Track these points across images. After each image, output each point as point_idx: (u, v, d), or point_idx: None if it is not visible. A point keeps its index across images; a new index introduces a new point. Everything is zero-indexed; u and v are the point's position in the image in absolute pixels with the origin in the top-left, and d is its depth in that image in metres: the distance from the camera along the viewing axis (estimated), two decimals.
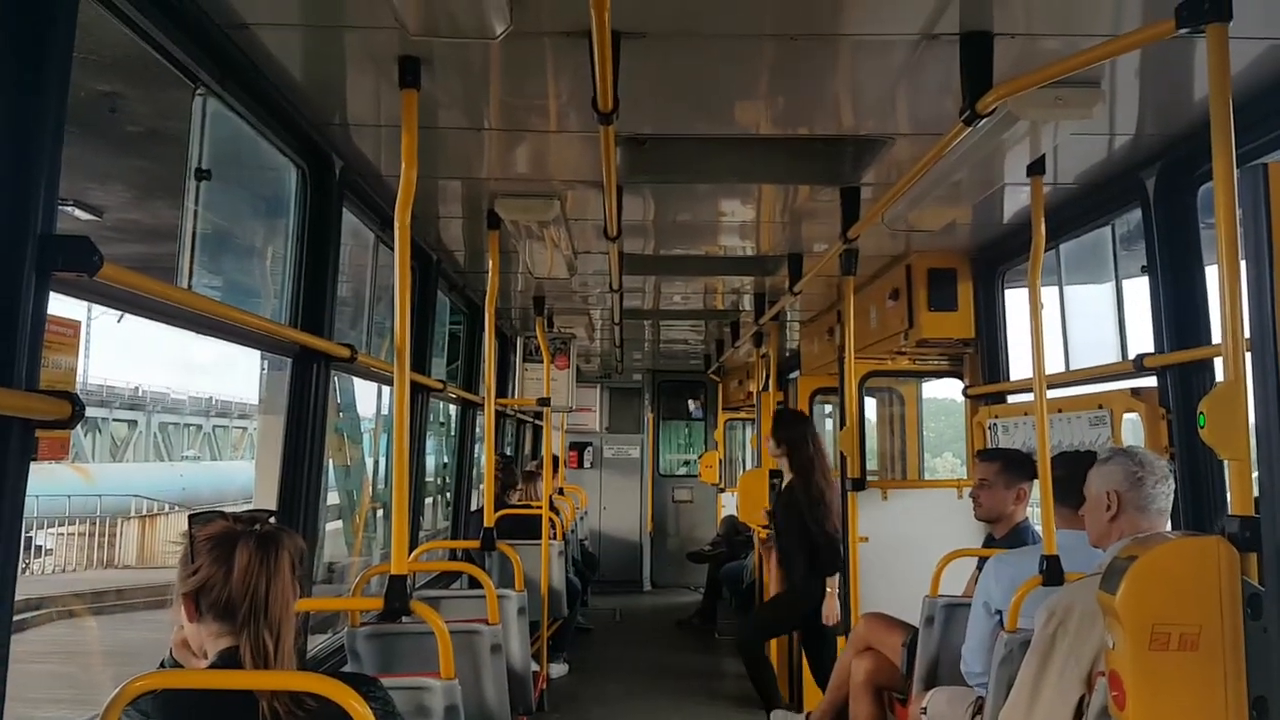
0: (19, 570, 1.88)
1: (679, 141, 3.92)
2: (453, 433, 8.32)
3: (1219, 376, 3.47)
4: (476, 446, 7.42)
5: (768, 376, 8.14)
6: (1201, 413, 1.97)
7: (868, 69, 3.05)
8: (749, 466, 10.25)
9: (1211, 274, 3.59)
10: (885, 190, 3.89)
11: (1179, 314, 3.59)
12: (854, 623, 5.20)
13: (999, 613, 3.52)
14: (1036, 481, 4.10)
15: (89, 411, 2.34)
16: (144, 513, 27.36)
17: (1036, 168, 3.45)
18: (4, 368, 1.75)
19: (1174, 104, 3.34)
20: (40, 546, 23.61)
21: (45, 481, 25.03)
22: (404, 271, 3.12)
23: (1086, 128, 3.19)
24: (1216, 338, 3.44)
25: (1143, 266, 3.84)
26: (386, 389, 12.10)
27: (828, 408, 9.33)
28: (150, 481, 31.45)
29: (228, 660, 1.97)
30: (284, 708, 1.90)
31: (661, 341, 11.46)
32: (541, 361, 8.06)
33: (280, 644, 1.99)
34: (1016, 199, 4.44)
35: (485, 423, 4.87)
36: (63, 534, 24.52)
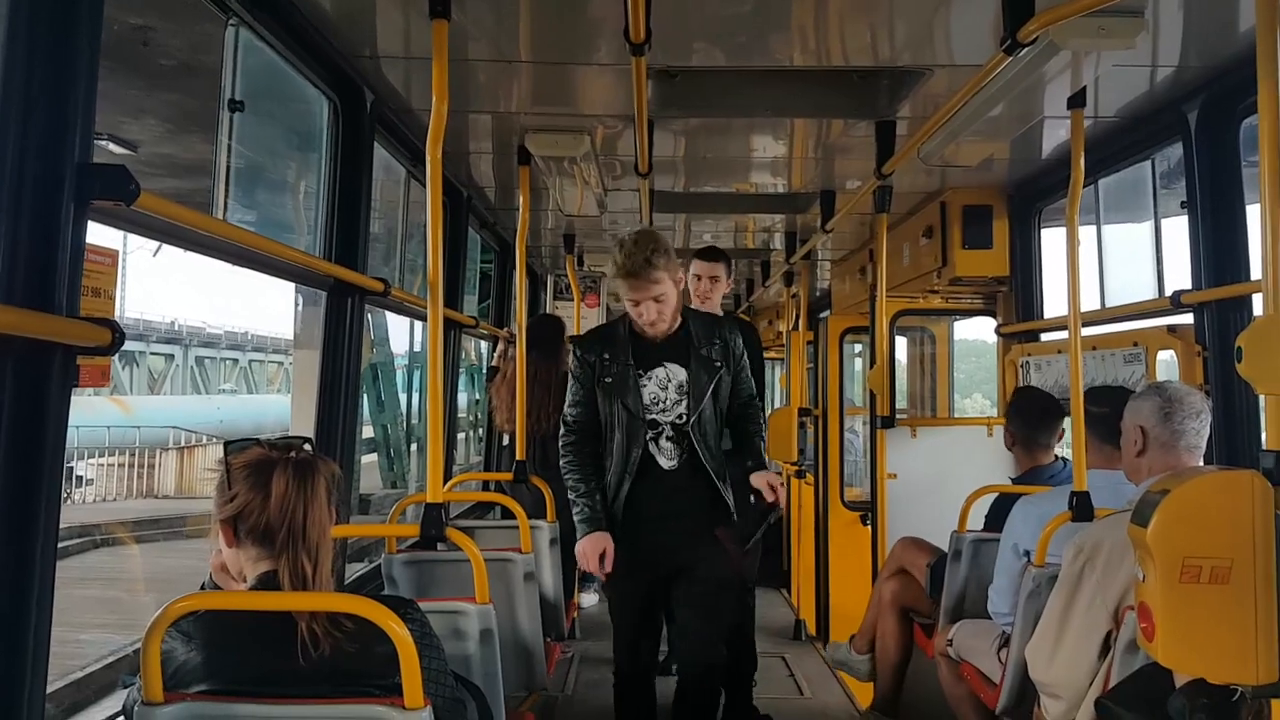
0: (61, 499, 1.92)
1: (711, 74, 3.85)
2: (484, 369, 8.37)
3: (1257, 313, 3.46)
4: None
5: (798, 316, 8.10)
6: (1239, 347, 1.95)
7: None
8: (779, 404, 10.23)
9: (1252, 211, 3.55)
10: (921, 124, 3.82)
11: (1218, 249, 3.54)
12: (882, 557, 5.25)
13: (1027, 554, 3.51)
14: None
15: (126, 344, 2.36)
16: (182, 444, 27.89)
17: (1077, 100, 3.37)
18: (44, 295, 1.77)
19: (1218, 35, 3.26)
20: (81, 477, 24.19)
21: (85, 413, 25.57)
22: (435, 206, 3.11)
23: (1128, 59, 3.12)
24: (1255, 274, 3.42)
25: (1182, 203, 3.78)
26: (420, 326, 12.15)
27: (858, 347, 9.28)
28: (188, 414, 32.02)
29: (267, 583, 2.00)
30: (322, 629, 1.93)
31: None
32: (572, 300, 8.07)
33: (318, 568, 2.02)
34: (1056, 133, 4.36)
35: (517, 359, 4.89)
36: (103, 464, 25.10)
